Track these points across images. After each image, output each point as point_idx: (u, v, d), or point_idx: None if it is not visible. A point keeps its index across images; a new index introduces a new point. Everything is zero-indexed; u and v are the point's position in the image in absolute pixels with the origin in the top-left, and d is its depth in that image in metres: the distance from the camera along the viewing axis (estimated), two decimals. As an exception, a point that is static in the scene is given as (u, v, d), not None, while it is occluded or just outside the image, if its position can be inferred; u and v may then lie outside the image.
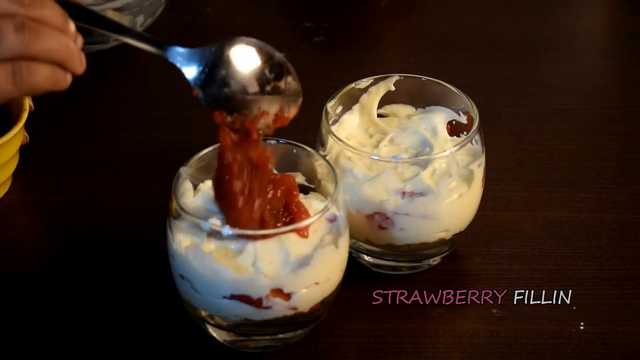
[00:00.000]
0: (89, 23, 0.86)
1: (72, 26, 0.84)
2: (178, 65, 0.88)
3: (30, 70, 0.81)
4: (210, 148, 0.94)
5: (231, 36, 0.89)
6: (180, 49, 0.88)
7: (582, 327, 0.97)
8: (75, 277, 1.02)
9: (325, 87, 1.20)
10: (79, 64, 0.84)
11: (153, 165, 1.16)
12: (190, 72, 0.88)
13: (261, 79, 0.90)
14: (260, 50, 0.90)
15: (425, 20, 1.45)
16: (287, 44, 1.38)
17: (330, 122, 1.02)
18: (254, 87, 0.89)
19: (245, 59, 0.89)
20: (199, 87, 0.88)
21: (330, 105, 1.03)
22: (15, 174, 1.14)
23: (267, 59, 0.90)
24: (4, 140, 1.06)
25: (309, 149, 0.96)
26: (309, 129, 1.13)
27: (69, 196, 1.12)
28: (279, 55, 0.91)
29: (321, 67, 1.34)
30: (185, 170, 0.94)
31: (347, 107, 1.05)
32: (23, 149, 1.13)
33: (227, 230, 0.87)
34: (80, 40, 0.85)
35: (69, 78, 0.84)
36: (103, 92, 1.28)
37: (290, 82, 0.91)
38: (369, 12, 1.46)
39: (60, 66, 0.83)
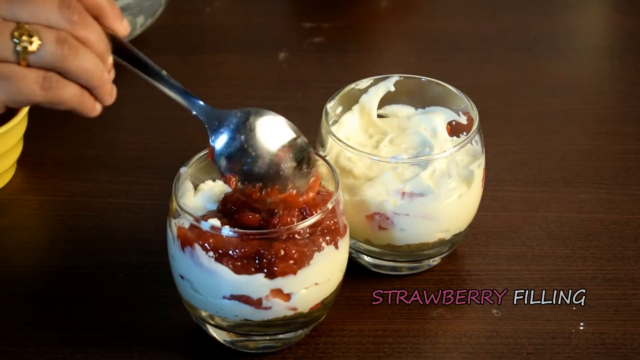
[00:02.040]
0: (125, 59, 0.87)
1: (110, 58, 0.86)
2: (202, 120, 0.89)
3: (59, 82, 0.83)
4: (211, 148, 0.94)
5: (259, 108, 0.91)
6: (207, 106, 0.89)
7: (581, 328, 0.97)
8: (75, 277, 1.02)
9: (325, 87, 1.20)
10: (109, 95, 0.86)
11: (153, 165, 1.16)
12: (213, 130, 0.89)
13: (281, 159, 0.90)
14: (286, 130, 0.91)
15: (425, 21, 1.45)
16: (287, 44, 1.39)
17: (330, 122, 1.02)
18: (272, 164, 0.90)
19: (270, 134, 0.90)
20: (220, 151, 0.90)
21: (330, 105, 1.03)
22: (15, 174, 1.14)
23: (292, 139, 0.91)
24: (8, 127, 1.07)
25: (308, 149, 0.96)
26: (308, 130, 1.13)
27: (69, 196, 1.12)
28: (302, 140, 0.92)
29: (321, 67, 1.34)
30: (185, 170, 0.94)
31: (347, 108, 1.05)
32: (24, 150, 1.14)
33: (226, 231, 0.87)
34: (113, 73, 0.86)
35: (98, 107, 0.86)
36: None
37: (307, 170, 0.91)
38: (368, 13, 1.46)
39: (89, 92, 0.85)
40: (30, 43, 0.81)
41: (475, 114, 1.00)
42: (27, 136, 1.14)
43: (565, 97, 1.28)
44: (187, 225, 0.90)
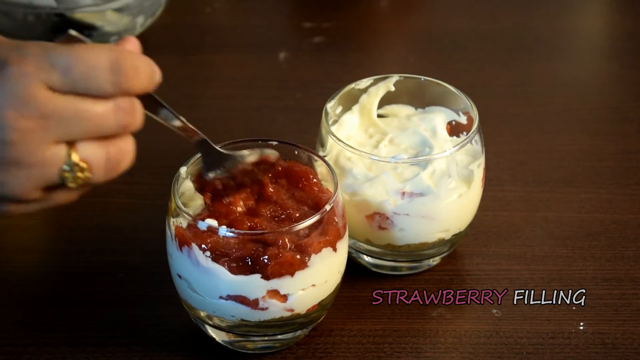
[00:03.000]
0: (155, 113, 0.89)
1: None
2: (203, 157, 0.91)
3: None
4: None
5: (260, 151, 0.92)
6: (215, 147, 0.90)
7: (581, 327, 0.97)
8: (75, 277, 1.02)
9: (325, 87, 1.20)
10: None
11: (153, 165, 1.16)
12: (210, 164, 0.91)
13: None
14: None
15: (425, 21, 1.45)
16: (287, 44, 1.39)
17: (330, 122, 1.02)
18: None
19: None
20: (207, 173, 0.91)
21: (330, 105, 1.03)
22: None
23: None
24: None
25: (308, 149, 0.96)
26: (308, 130, 1.14)
27: (69, 196, 1.12)
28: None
29: (321, 67, 1.34)
30: (185, 170, 0.94)
31: (347, 108, 1.05)
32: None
33: (223, 231, 0.87)
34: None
35: None
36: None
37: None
38: (368, 13, 1.46)
39: None
40: (80, 179, 0.79)
41: (475, 114, 1.00)
42: (27, 136, 1.14)
43: (565, 97, 1.28)
44: (185, 225, 0.90)
